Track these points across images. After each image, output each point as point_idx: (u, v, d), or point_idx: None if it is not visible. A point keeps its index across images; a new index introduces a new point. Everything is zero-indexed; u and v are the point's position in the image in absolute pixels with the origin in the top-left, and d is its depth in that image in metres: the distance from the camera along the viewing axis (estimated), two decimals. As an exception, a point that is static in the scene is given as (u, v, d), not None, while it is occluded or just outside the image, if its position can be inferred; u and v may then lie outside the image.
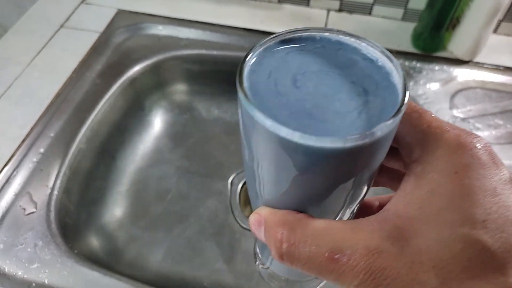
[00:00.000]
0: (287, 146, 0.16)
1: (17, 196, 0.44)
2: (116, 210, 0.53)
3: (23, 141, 0.48)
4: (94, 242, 0.49)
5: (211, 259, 0.51)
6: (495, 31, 0.61)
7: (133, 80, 0.58)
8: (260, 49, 0.19)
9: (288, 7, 0.65)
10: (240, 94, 0.17)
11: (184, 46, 0.60)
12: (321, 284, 0.28)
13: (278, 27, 0.62)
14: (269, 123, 0.16)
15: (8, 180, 0.45)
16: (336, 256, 0.16)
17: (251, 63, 0.18)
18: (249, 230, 0.52)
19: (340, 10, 0.64)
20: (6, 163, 0.46)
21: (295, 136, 0.15)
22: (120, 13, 0.63)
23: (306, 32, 0.19)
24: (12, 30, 0.61)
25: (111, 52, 0.58)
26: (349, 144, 0.15)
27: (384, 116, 0.16)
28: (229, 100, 0.64)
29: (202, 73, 0.62)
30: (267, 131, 0.16)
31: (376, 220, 0.17)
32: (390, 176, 0.22)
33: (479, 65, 0.58)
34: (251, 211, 0.21)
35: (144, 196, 0.55)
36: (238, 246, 0.52)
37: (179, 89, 0.63)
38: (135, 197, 0.55)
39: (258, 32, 0.61)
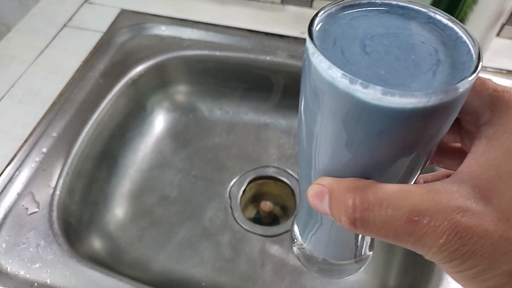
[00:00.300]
0: (367, 105, 0.15)
1: (20, 195, 0.44)
2: (118, 210, 0.54)
3: (26, 140, 0.48)
4: (96, 242, 0.49)
5: (213, 261, 0.51)
6: (498, 34, 0.61)
7: (135, 81, 0.58)
8: (323, 16, 0.19)
9: (291, 8, 0.65)
10: (312, 51, 0.16)
11: (187, 47, 0.60)
12: (360, 270, 0.27)
13: (281, 28, 0.62)
14: (348, 81, 0.15)
15: (10, 180, 0.45)
16: (416, 218, 0.16)
17: (316, 28, 0.18)
18: (250, 231, 0.53)
19: (343, 11, 0.64)
20: (8, 162, 0.46)
21: (378, 92, 0.15)
22: (123, 13, 0.64)
23: (365, 0, 0.19)
24: (16, 28, 0.61)
25: (114, 52, 0.58)
26: (433, 98, 0.15)
27: (459, 75, 0.16)
28: (231, 101, 0.64)
29: (205, 74, 0.62)
30: (343, 92, 0.16)
31: (453, 182, 0.17)
32: (439, 152, 0.22)
33: (482, 69, 0.57)
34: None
35: (146, 197, 0.56)
36: (239, 247, 0.52)
37: (182, 90, 0.64)
38: (137, 198, 0.55)
39: (261, 33, 0.61)
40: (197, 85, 0.63)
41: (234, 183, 0.57)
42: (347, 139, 0.17)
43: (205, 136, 0.62)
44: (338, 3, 0.19)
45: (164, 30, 0.62)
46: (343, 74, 0.15)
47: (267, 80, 0.61)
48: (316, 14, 0.18)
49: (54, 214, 0.44)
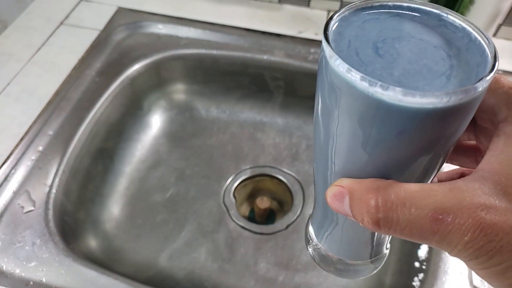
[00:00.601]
0: (386, 106, 0.16)
1: (16, 194, 0.44)
2: (114, 209, 0.54)
3: (22, 138, 0.48)
4: (92, 241, 0.49)
5: (209, 259, 0.51)
6: (494, 35, 0.61)
7: (132, 79, 0.58)
8: (338, 19, 0.19)
9: (289, 7, 0.65)
10: (329, 54, 0.17)
11: (184, 45, 0.60)
12: (376, 270, 0.27)
13: (278, 27, 0.62)
14: (368, 83, 0.15)
15: (6, 178, 0.45)
16: (440, 216, 0.16)
17: (331, 31, 0.18)
18: (246, 229, 0.53)
19: (340, 11, 0.64)
20: (4, 160, 0.46)
21: (398, 93, 0.15)
22: (120, 11, 0.63)
23: (378, 2, 0.20)
24: (12, 26, 0.61)
25: (110, 50, 0.58)
26: (453, 97, 0.15)
27: (474, 77, 0.16)
28: (228, 100, 0.64)
29: (202, 73, 0.62)
30: (363, 94, 0.16)
31: (474, 180, 0.17)
32: (454, 150, 0.22)
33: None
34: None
35: (142, 196, 0.56)
36: (236, 246, 0.52)
37: (178, 89, 0.64)
38: (133, 196, 0.55)
39: (258, 32, 0.61)
40: (194, 84, 0.63)
41: (230, 181, 0.57)
42: (366, 140, 0.17)
43: (202, 135, 0.62)
44: (351, 7, 0.19)
45: (161, 29, 0.62)
46: (362, 77, 0.16)
47: (264, 79, 0.61)
48: (331, 18, 0.19)
49: (50, 212, 0.44)
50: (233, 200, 0.56)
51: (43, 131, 0.49)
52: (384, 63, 0.17)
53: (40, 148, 0.48)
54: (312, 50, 0.59)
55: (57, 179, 0.46)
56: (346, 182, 0.19)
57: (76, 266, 0.40)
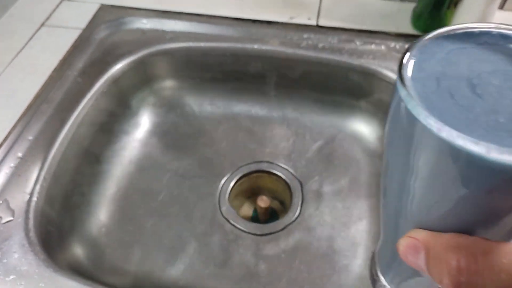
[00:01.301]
0: (476, 163, 0.13)
1: (-7, 204, 0.41)
2: (102, 215, 0.51)
3: (0, 145, 0.45)
4: (79, 250, 0.46)
5: (203, 264, 0.48)
6: (501, 7, 0.57)
7: (117, 78, 0.55)
8: (414, 51, 0.16)
9: (279, -7, 0.62)
10: (411, 104, 0.14)
11: (170, 40, 0.57)
12: None
13: (268, 14, 0.58)
14: (455, 137, 0.13)
15: (-17, 188, 0.42)
16: None
17: (409, 69, 0.16)
18: (243, 231, 0.49)
19: (334, -7, 0.60)
20: (-18, 169, 0.43)
21: (492, 151, 0.13)
22: (103, 8, 0.61)
23: (461, 30, 0.17)
24: (-8, 31, 0.59)
25: (93, 49, 0.56)
26: None
27: None
28: (220, 93, 0.61)
29: (191, 67, 0.59)
30: (448, 147, 0.13)
31: None
32: None
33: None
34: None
35: (132, 200, 0.53)
36: (231, 249, 0.49)
37: (168, 85, 0.60)
38: (123, 201, 0.52)
39: (248, 20, 0.58)
40: (183, 79, 0.60)
41: (226, 180, 0.54)
42: (448, 196, 0.15)
43: (195, 132, 0.59)
44: (430, 36, 0.17)
45: (145, 24, 0.59)
46: (447, 129, 0.13)
47: (256, 70, 0.58)
48: (406, 52, 0.16)
49: (31, 222, 0.41)
50: (229, 201, 0.52)
51: (22, 136, 0.46)
52: (486, 106, 0.14)
53: (20, 154, 0.45)
54: (305, 35, 0.56)
55: (37, 187, 0.43)
56: (422, 235, 0.16)
57: (57, 277, 0.37)
